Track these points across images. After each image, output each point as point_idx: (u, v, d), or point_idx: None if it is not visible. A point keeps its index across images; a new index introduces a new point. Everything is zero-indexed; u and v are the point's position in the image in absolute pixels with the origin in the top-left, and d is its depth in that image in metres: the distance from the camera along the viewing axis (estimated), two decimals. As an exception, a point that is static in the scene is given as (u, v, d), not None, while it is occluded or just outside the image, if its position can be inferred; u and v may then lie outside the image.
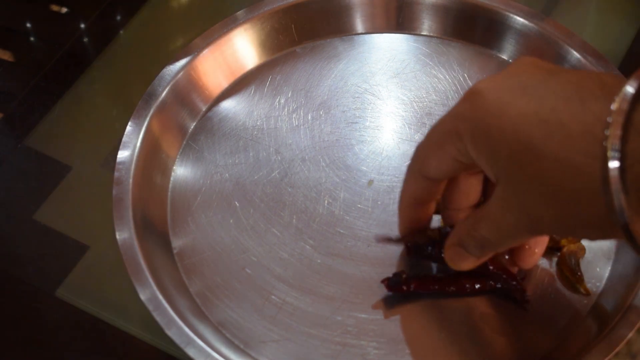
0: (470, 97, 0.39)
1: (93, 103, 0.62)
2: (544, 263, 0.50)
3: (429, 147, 0.42)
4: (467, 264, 0.45)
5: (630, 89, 0.34)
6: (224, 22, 0.59)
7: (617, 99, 0.34)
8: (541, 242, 0.47)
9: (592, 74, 0.38)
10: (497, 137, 0.38)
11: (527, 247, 0.46)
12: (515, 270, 0.48)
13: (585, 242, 0.50)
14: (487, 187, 0.46)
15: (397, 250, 0.51)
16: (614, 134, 0.34)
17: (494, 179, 0.40)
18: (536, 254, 0.47)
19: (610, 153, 0.34)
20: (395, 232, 0.51)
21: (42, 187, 0.56)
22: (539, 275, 0.49)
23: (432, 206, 0.47)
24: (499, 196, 0.39)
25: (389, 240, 0.50)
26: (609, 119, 0.34)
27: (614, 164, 0.34)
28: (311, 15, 0.60)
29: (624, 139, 0.34)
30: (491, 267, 0.47)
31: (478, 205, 0.46)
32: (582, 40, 0.57)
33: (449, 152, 0.41)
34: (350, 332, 0.48)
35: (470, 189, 0.45)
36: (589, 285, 0.49)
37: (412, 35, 0.61)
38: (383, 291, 0.49)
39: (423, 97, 0.58)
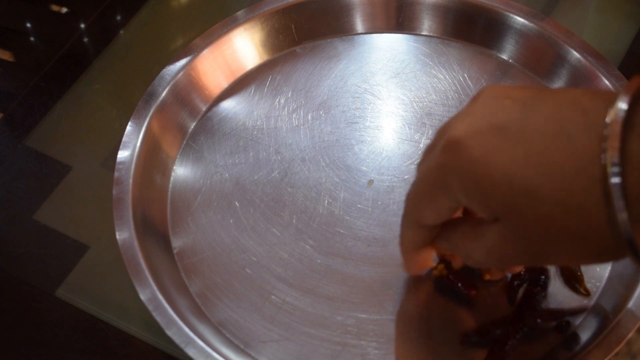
0: (452, 148, 0.38)
1: (93, 103, 0.62)
2: (544, 263, 0.50)
3: (420, 200, 0.42)
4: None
5: (620, 111, 0.34)
6: (224, 22, 0.59)
7: (608, 132, 0.34)
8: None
9: (567, 98, 0.37)
10: (489, 185, 0.37)
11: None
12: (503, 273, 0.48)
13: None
14: None
15: (396, 250, 0.51)
16: (611, 171, 0.33)
17: (491, 219, 0.39)
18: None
19: (613, 192, 0.34)
20: (394, 232, 0.51)
21: (42, 187, 0.56)
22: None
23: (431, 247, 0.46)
24: (498, 232, 0.38)
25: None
26: (603, 158, 0.34)
27: (619, 204, 0.34)
28: (311, 15, 0.60)
29: (624, 173, 0.33)
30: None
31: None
32: (582, 40, 0.57)
33: (442, 203, 0.40)
34: (350, 332, 0.48)
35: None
36: (589, 285, 0.49)
37: (412, 35, 0.61)
38: (383, 291, 0.49)
39: (423, 97, 0.58)
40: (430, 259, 0.47)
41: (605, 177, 0.34)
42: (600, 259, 0.39)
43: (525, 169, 0.36)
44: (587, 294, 0.49)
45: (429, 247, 0.45)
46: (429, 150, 0.42)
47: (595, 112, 0.35)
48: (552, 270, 0.49)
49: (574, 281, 0.49)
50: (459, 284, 0.48)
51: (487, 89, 0.40)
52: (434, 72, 0.59)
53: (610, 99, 0.35)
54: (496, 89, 0.39)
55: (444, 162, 0.38)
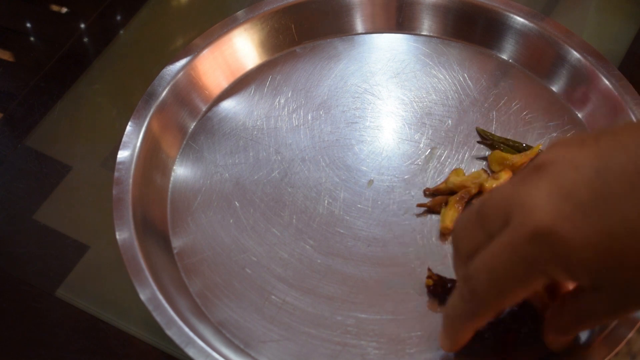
0: (542, 240, 0.37)
1: (93, 103, 0.62)
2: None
3: (506, 291, 0.39)
4: (567, 343, 0.45)
5: None
6: (224, 22, 0.59)
7: None
8: None
9: (637, 147, 0.36)
10: (594, 264, 0.37)
11: None
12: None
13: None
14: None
15: (396, 250, 0.51)
16: None
17: (590, 288, 0.39)
18: None
19: None
20: (394, 232, 0.51)
21: (42, 187, 0.56)
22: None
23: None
24: (606, 297, 0.39)
25: None
26: None
27: None
28: (311, 15, 0.60)
29: None
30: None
31: None
32: (582, 40, 0.57)
33: (537, 285, 0.39)
34: (350, 332, 0.48)
35: None
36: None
37: (412, 35, 0.61)
38: (383, 291, 0.49)
39: (423, 97, 0.58)
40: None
41: None
42: None
43: (630, 242, 0.36)
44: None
45: None
46: (480, 223, 0.40)
47: None
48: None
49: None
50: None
51: (545, 158, 0.38)
52: (434, 72, 0.59)
53: None
54: (554, 157, 0.38)
55: (538, 254, 0.37)
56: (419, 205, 0.53)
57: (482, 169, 0.54)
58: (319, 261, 0.50)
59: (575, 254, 0.36)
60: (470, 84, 0.58)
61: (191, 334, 0.45)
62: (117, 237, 0.49)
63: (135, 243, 0.48)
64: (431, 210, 0.52)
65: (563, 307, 0.42)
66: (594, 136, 0.38)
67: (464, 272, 0.41)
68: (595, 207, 0.36)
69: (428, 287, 0.49)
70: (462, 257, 0.41)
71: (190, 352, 0.45)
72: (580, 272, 0.37)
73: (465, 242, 0.41)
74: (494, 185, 0.52)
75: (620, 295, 0.39)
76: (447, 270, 0.50)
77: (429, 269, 0.49)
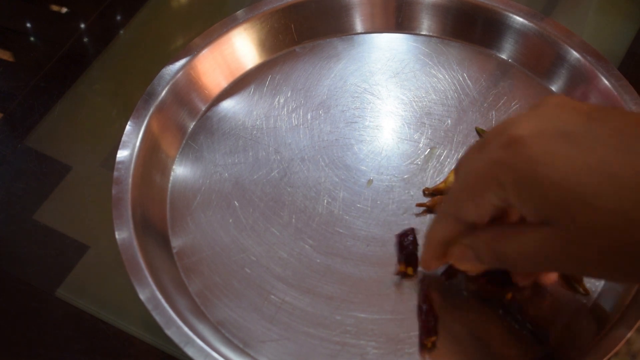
0: (513, 145, 0.38)
1: (93, 103, 0.62)
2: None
3: (465, 193, 0.41)
4: (470, 267, 0.45)
5: None
6: (223, 21, 0.59)
7: None
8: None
9: (633, 118, 0.37)
10: (545, 187, 0.37)
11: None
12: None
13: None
14: None
15: (396, 249, 0.51)
16: None
17: (538, 222, 0.38)
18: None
19: None
20: (394, 232, 0.51)
21: (42, 187, 0.56)
22: (539, 275, 0.49)
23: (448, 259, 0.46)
24: (544, 235, 0.38)
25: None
26: None
27: None
28: (310, 14, 0.60)
29: None
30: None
31: None
32: (582, 40, 0.57)
33: (488, 199, 0.40)
34: (349, 331, 0.48)
35: None
36: (588, 285, 0.49)
37: (411, 35, 0.61)
38: (382, 291, 0.49)
39: (422, 97, 0.58)
40: (444, 257, 0.46)
41: None
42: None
43: (587, 177, 0.36)
44: (586, 293, 0.49)
45: (449, 251, 0.44)
46: (477, 147, 0.41)
47: None
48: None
49: (573, 281, 0.49)
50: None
51: (551, 97, 0.40)
52: (434, 71, 0.59)
53: None
54: (559, 98, 0.39)
55: (502, 158, 0.38)
56: (418, 205, 0.53)
57: (482, 168, 0.54)
58: (318, 261, 0.51)
59: (532, 169, 0.37)
60: (470, 84, 0.58)
61: (190, 334, 0.45)
62: (117, 236, 0.49)
63: (135, 243, 0.48)
64: (430, 210, 0.52)
65: (493, 227, 0.42)
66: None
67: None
68: (569, 139, 0.36)
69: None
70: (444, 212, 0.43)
71: (190, 351, 0.45)
72: (529, 194, 0.37)
73: (462, 162, 0.42)
74: None
75: (556, 239, 0.38)
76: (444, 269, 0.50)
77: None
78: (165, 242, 0.51)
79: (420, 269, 0.49)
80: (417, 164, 0.55)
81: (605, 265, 0.38)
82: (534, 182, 0.37)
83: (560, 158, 0.36)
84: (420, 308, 0.48)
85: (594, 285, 0.49)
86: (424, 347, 0.47)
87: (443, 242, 0.44)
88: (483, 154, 0.40)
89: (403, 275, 0.49)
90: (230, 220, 0.52)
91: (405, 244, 0.50)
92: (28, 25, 0.67)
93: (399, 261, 0.50)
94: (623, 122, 0.37)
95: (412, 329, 0.48)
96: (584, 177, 0.36)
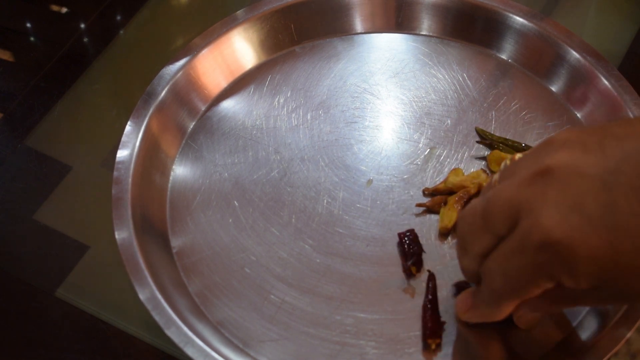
0: (551, 249, 0.38)
1: (93, 103, 0.62)
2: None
3: (516, 290, 0.41)
4: (531, 321, 0.47)
5: None
6: (223, 21, 0.59)
7: None
8: None
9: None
10: (599, 275, 0.38)
11: None
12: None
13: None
14: None
15: (395, 249, 0.51)
16: None
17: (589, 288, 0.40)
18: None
19: None
20: (393, 232, 0.51)
21: (42, 187, 0.56)
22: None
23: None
24: (600, 295, 0.41)
25: None
26: None
27: None
28: (310, 14, 0.60)
29: None
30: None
31: None
32: (581, 40, 0.57)
33: (544, 287, 0.40)
34: (349, 331, 0.48)
35: None
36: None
37: (411, 35, 0.61)
38: (382, 291, 0.49)
39: (422, 97, 0.58)
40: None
41: None
42: None
43: (636, 258, 0.37)
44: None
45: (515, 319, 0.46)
46: (486, 225, 0.41)
47: None
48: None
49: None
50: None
51: (550, 162, 0.39)
52: (433, 71, 0.59)
53: None
54: (560, 162, 0.38)
55: (547, 261, 0.38)
56: (418, 205, 0.53)
57: (481, 168, 0.54)
58: (318, 261, 0.50)
59: (581, 263, 0.38)
60: (470, 84, 0.58)
61: (190, 334, 0.45)
62: (116, 236, 0.49)
63: (135, 242, 0.48)
64: (430, 210, 0.52)
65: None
66: (596, 140, 0.38)
67: (474, 268, 0.43)
68: (602, 220, 0.37)
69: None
70: (469, 254, 0.43)
71: (189, 351, 0.45)
72: (584, 279, 0.38)
73: (472, 241, 0.42)
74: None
75: (609, 295, 0.40)
76: (446, 270, 0.50)
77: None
78: (165, 242, 0.51)
79: (427, 269, 0.49)
80: (416, 164, 0.55)
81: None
82: (585, 273, 0.38)
83: (602, 248, 0.37)
84: (424, 309, 0.48)
85: (594, 285, 0.49)
86: (427, 347, 0.47)
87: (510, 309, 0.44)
88: (518, 254, 0.39)
89: (408, 274, 0.49)
90: (230, 220, 0.52)
91: (406, 242, 0.50)
92: (28, 25, 0.67)
93: (402, 258, 0.50)
94: (636, 176, 0.37)
95: (412, 329, 0.48)
96: (629, 258, 0.37)
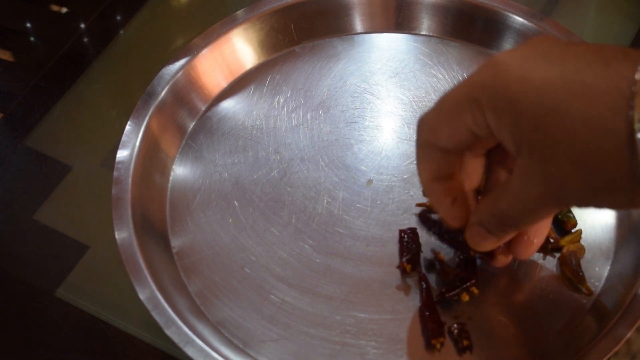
0: (491, 66, 0.38)
1: (93, 103, 0.62)
2: (543, 263, 0.50)
3: (441, 116, 0.41)
4: (488, 244, 0.44)
5: None
6: (223, 21, 0.59)
7: None
8: (540, 232, 0.45)
9: (612, 45, 0.37)
10: (520, 103, 0.37)
11: (525, 237, 0.45)
12: (509, 259, 0.47)
13: (584, 242, 0.50)
14: (490, 172, 0.45)
15: (395, 249, 0.51)
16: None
17: (515, 149, 0.38)
18: (534, 244, 0.45)
19: (636, 115, 0.34)
20: (393, 231, 0.51)
21: (42, 187, 0.57)
22: (539, 275, 0.49)
23: (457, 181, 0.44)
24: (522, 168, 0.38)
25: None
26: (637, 76, 0.34)
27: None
28: (310, 14, 0.60)
29: None
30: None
31: (478, 190, 0.46)
32: (582, 40, 0.57)
33: (465, 122, 0.39)
34: (349, 331, 0.48)
35: (473, 172, 0.44)
36: (589, 284, 0.49)
37: (411, 35, 0.61)
38: (382, 290, 0.49)
39: (422, 97, 0.58)
40: (455, 195, 0.44)
41: (631, 96, 0.34)
42: (615, 197, 0.37)
43: (557, 88, 0.36)
44: (589, 293, 0.49)
45: (451, 182, 0.43)
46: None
47: (634, 53, 0.36)
48: (552, 270, 0.49)
49: (576, 282, 0.49)
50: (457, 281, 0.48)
51: (538, 35, 0.41)
52: (433, 71, 0.59)
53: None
54: (547, 35, 0.41)
55: (479, 79, 0.38)
56: (418, 205, 0.53)
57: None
58: (318, 261, 0.50)
59: (507, 85, 0.37)
60: (470, 84, 0.58)
61: (190, 334, 0.45)
62: (116, 236, 0.49)
63: (135, 242, 0.48)
64: (430, 210, 0.52)
65: (485, 197, 0.43)
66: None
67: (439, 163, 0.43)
68: (547, 56, 0.37)
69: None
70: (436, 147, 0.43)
71: (189, 351, 0.45)
72: (504, 112, 0.37)
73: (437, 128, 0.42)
74: None
75: (532, 169, 0.38)
76: (446, 269, 0.50)
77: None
78: (165, 242, 0.51)
79: (423, 270, 0.49)
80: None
81: (578, 187, 0.37)
82: (510, 99, 0.37)
83: (535, 74, 0.37)
84: (422, 311, 0.48)
85: (594, 285, 0.49)
86: (432, 348, 0.47)
87: (434, 177, 0.43)
88: (461, 81, 0.40)
89: (402, 271, 0.49)
90: (230, 220, 0.52)
91: (404, 239, 0.50)
92: (28, 25, 0.67)
93: (400, 255, 0.50)
94: (601, 46, 0.37)
95: (412, 329, 0.48)
96: (558, 88, 0.36)
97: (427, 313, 0.47)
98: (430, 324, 0.47)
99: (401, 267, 0.49)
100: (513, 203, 0.40)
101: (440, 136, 0.41)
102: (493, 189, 0.44)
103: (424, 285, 0.48)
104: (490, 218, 0.42)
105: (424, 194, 0.47)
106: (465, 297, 0.48)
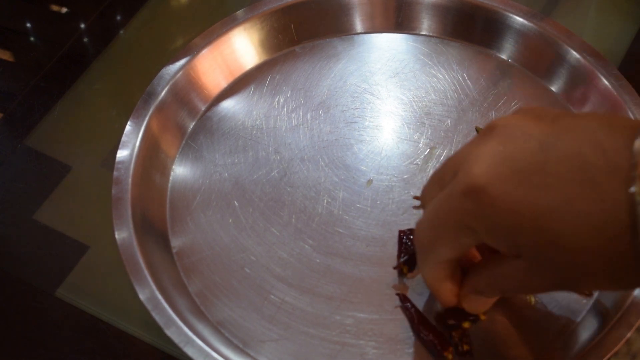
0: (475, 196, 0.38)
1: (93, 103, 0.62)
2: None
3: (437, 240, 0.41)
4: (482, 305, 0.45)
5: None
6: (223, 21, 0.59)
7: (636, 174, 0.34)
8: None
9: (585, 137, 0.36)
10: (516, 233, 0.37)
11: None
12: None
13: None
14: None
15: (395, 249, 0.51)
16: None
17: (515, 255, 0.39)
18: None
19: None
20: (394, 232, 0.51)
21: (42, 187, 0.57)
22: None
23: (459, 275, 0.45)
24: (524, 266, 0.39)
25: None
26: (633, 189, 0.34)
27: None
28: (310, 14, 0.60)
29: None
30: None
31: None
32: (581, 40, 0.57)
33: (464, 243, 0.40)
34: (349, 331, 0.48)
35: None
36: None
37: (411, 35, 0.61)
38: (382, 291, 0.49)
39: (422, 97, 0.58)
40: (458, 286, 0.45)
41: (635, 223, 0.34)
42: (628, 286, 0.39)
43: (553, 221, 0.36)
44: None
45: (454, 278, 0.44)
46: (438, 179, 0.42)
47: (615, 152, 0.35)
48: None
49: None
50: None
51: (500, 121, 0.39)
52: (433, 71, 0.59)
53: (628, 133, 0.35)
54: (509, 122, 0.39)
55: (468, 208, 0.38)
56: (416, 198, 0.53)
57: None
58: (318, 261, 0.51)
59: (499, 216, 0.37)
60: (470, 84, 0.58)
61: (190, 334, 0.45)
62: (117, 236, 0.49)
63: (135, 242, 0.48)
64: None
65: (483, 267, 0.43)
66: (555, 114, 0.39)
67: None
68: (529, 179, 0.37)
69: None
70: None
71: (189, 351, 0.45)
72: (501, 236, 0.38)
73: (425, 197, 0.43)
74: None
75: (536, 269, 0.39)
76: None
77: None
78: (165, 242, 0.51)
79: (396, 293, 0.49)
80: (416, 164, 0.55)
81: (593, 285, 0.40)
82: (504, 229, 0.38)
83: (525, 205, 0.37)
84: (418, 331, 0.47)
85: (594, 285, 0.49)
86: (444, 359, 0.46)
87: (440, 281, 0.44)
88: (447, 199, 0.40)
89: (400, 271, 0.49)
90: (230, 220, 0.52)
91: (404, 240, 0.50)
92: (28, 25, 0.67)
93: (398, 256, 0.50)
94: (577, 146, 0.36)
95: (411, 329, 0.48)
96: (555, 222, 0.36)
97: (425, 329, 0.47)
98: (433, 338, 0.46)
99: (398, 268, 0.49)
100: (516, 286, 0.41)
101: (441, 255, 0.42)
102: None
103: (409, 305, 0.48)
104: (489, 289, 0.43)
105: (435, 295, 0.46)
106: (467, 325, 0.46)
